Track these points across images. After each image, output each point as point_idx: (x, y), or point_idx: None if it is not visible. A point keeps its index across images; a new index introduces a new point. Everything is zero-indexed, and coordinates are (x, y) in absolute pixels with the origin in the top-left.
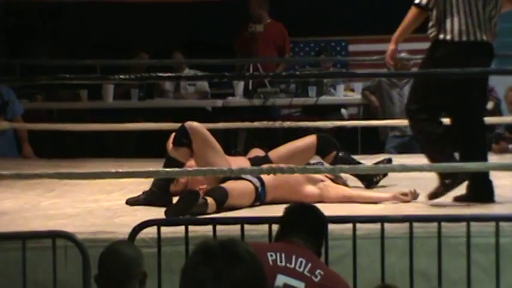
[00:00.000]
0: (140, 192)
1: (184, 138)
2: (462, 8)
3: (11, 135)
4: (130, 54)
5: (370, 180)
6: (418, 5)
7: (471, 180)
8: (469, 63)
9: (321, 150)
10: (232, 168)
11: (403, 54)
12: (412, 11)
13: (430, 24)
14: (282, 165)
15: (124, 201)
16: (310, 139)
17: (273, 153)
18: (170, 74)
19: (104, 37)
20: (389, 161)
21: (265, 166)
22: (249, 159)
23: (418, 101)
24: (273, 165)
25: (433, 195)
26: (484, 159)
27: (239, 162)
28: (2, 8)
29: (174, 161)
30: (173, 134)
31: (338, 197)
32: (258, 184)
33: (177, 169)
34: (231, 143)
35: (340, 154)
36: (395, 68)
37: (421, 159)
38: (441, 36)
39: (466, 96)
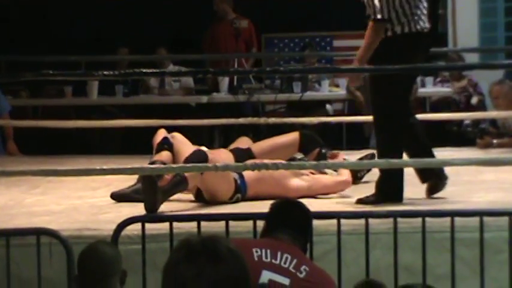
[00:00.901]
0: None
1: (166, 145)
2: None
3: None
4: (111, 50)
5: (355, 175)
6: (380, 20)
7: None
8: (404, 55)
9: (304, 147)
10: (217, 165)
11: None
12: (376, 27)
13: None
14: (266, 161)
15: (109, 198)
16: (293, 136)
17: (256, 147)
18: (154, 70)
19: (86, 32)
20: (372, 155)
21: (249, 162)
22: (231, 150)
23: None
24: (257, 161)
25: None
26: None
27: (222, 155)
28: None
29: (158, 162)
30: (159, 131)
31: (327, 185)
32: (236, 176)
33: (162, 166)
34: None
35: (323, 151)
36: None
37: (406, 155)
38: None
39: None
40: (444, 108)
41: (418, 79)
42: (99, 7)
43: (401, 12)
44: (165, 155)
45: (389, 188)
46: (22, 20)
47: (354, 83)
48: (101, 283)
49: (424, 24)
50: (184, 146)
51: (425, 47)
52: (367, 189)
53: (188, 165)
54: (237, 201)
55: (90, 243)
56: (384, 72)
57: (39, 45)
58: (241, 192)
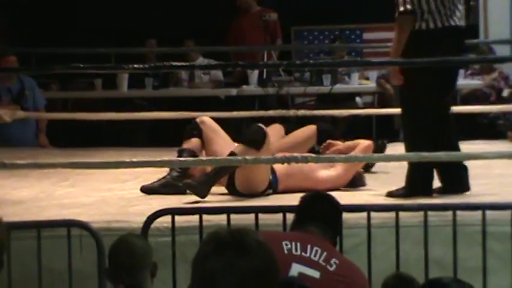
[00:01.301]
0: (155, 180)
1: (195, 130)
2: None
3: (33, 126)
4: (139, 42)
5: (366, 164)
6: (403, 13)
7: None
8: (433, 51)
9: (321, 140)
10: (247, 158)
11: None
12: (400, 20)
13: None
14: (296, 155)
15: (138, 190)
16: (310, 131)
17: (274, 145)
18: (184, 64)
19: (114, 24)
20: (383, 142)
21: (279, 155)
22: None
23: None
24: (287, 155)
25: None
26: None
27: None
28: None
29: (188, 150)
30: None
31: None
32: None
33: (191, 158)
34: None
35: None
36: None
37: None
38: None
39: (435, 87)
40: (474, 101)
41: None
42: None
43: (426, 10)
44: (194, 142)
45: (420, 181)
46: (51, 13)
47: (394, 81)
48: (132, 276)
49: (455, 22)
50: (215, 134)
51: (454, 43)
52: (397, 182)
53: (218, 158)
54: (267, 196)
55: (121, 236)
56: (412, 66)
57: (68, 37)
58: (272, 188)
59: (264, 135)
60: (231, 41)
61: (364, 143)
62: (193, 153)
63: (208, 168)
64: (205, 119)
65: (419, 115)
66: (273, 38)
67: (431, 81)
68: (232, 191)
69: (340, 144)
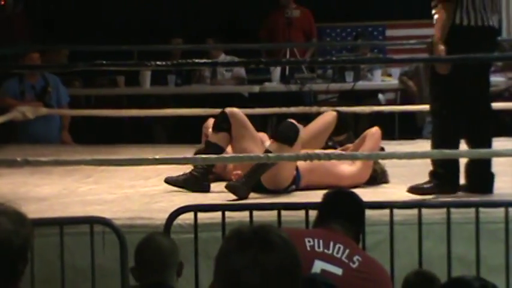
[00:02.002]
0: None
1: (224, 124)
2: None
3: (58, 122)
4: (164, 40)
5: None
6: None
7: (472, 170)
8: (472, 49)
9: (337, 129)
10: (269, 155)
11: None
12: (446, 7)
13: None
14: (318, 151)
15: (161, 187)
16: (331, 118)
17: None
18: (205, 60)
19: (139, 22)
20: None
21: (301, 152)
22: None
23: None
24: (309, 151)
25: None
26: (489, 146)
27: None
28: None
29: (215, 146)
30: (211, 119)
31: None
32: None
33: (214, 156)
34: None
35: (353, 135)
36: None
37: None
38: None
39: (474, 83)
40: (496, 98)
41: None
42: None
43: (471, 6)
44: (221, 136)
45: (444, 175)
46: (74, 10)
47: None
48: (158, 274)
49: (488, 21)
50: (245, 130)
51: (491, 44)
52: (419, 178)
53: (241, 155)
54: (290, 192)
55: (147, 235)
56: (438, 62)
57: (91, 34)
58: (295, 183)
59: (296, 132)
60: (264, 34)
61: (371, 130)
62: (219, 148)
63: (230, 165)
64: (236, 111)
65: (447, 111)
66: (306, 36)
67: (457, 75)
68: (255, 186)
69: (350, 146)
